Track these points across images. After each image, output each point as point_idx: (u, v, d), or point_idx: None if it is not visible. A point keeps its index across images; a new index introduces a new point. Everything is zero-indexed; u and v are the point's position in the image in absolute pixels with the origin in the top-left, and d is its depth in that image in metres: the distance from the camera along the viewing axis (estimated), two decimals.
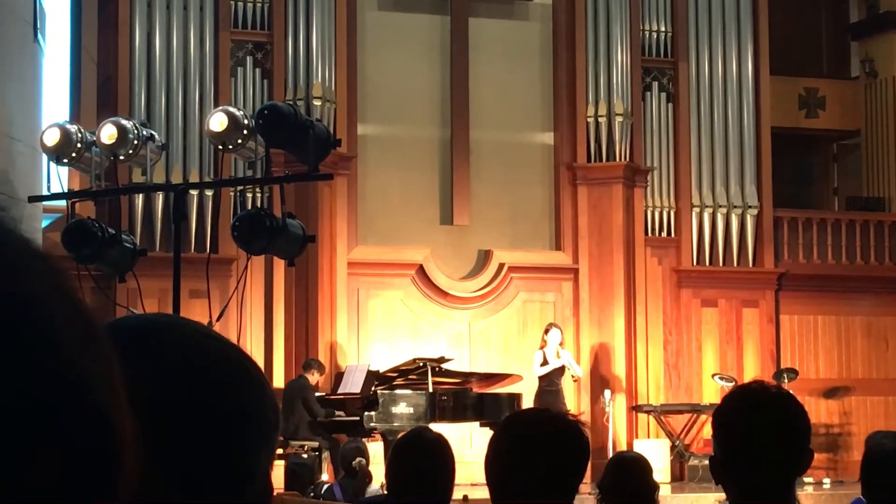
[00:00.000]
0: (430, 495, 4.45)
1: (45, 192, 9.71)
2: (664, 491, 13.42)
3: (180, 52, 15.56)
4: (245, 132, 8.50)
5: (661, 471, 14.47)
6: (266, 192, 14.71)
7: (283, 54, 15.88)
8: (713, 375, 16.39)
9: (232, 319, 11.28)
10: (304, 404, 13.70)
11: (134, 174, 13.16)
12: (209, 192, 15.28)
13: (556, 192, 16.99)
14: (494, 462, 2.88)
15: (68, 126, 9.27)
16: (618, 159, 16.76)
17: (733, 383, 15.01)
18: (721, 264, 17.34)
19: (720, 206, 17.32)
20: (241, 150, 8.69)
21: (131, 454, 0.80)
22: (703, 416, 15.80)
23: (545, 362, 14.88)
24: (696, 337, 17.15)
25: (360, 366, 14.48)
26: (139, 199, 14.93)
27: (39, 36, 11.99)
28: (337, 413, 13.76)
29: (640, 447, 14.65)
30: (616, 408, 15.84)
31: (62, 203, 10.41)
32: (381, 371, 14.18)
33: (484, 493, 3.07)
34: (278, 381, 14.65)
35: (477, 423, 14.16)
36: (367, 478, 10.67)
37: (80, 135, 9.07)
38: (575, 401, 15.74)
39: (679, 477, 15.97)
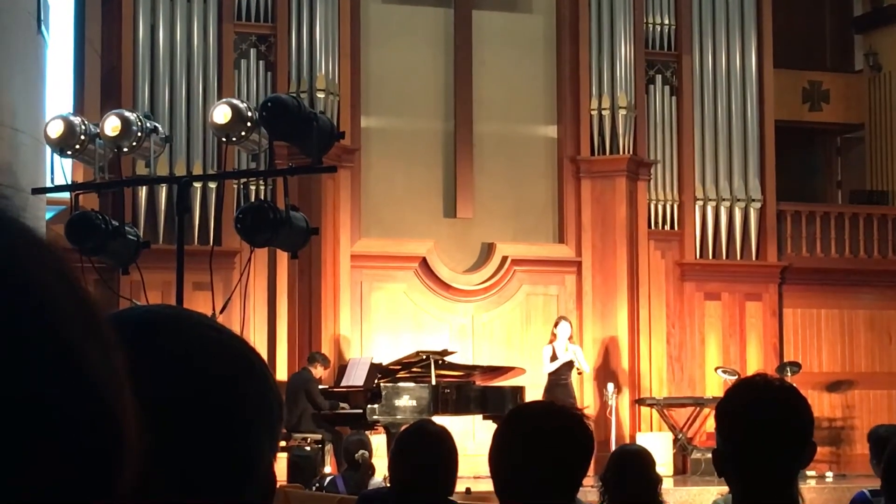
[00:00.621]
0: (432, 488, 4.45)
1: (48, 184, 9.72)
2: (667, 484, 13.41)
3: (184, 44, 15.56)
4: (248, 124, 8.50)
5: (664, 464, 14.47)
6: (269, 185, 14.72)
7: (286, 46, 15.87)
8: (716, 369, 16.39)
9: (235, 312, 11.30)
10: (308, 397, 13.71)
11: (137, 166, 13.17)
12: (213, 185, 15.28)
13: (559, 185, 16.99)
14: (499, 456, 2.88)
15: (72, 118, 9.27)
16: (621, 152, 16.76)
17: (736, 377, 15.00)
18: (724, 258, 17.34)
19: (723, 200, 17.31)
20: (244, 142, 8.69)
21: (135, 447, 0.79)
22: (706, 410, 15.81)
23: (554, 356, 14.85)
24: (699, 330, 17.15)
25: (363, 358, 14.49)
26: (143, 192, 14.92)
27: (43, 27, 11.99)
28: (340, 406, 13.77)
29: (643, 440, 14.65)
30: (619, 401, 15.84)
31: (66, 195, 10.40)
32: (384, 364, 14.18)
33: (487, 485, 3.08)
34: (281, 373, 14.66)
35: (480, 416, 14.16)
36: (370, 470, 10.67)
37: (83, 127, 9.07)
38: (578, 394, 15.73)
39: (682, 470, 15.98)
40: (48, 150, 9.53)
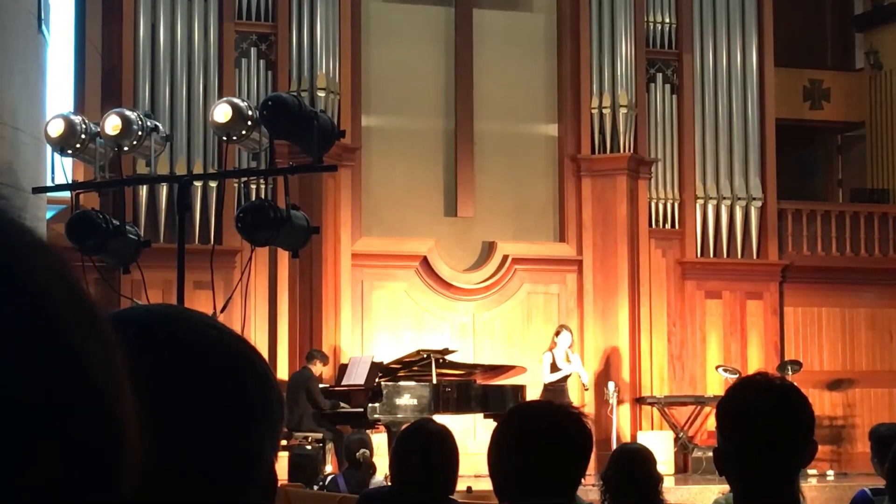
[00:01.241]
0: (433, 487, 4.45)
1: (49, 184, 9.73)
2: (668, 483, 13.41)
3: (184, 43, 15.56)
4: (249, 123, 8.50)
5: (665, 462, 14.47)
6: (270, 184, 14.72)
7: (287, 45, 15.87)
8: (717, 367, 16.39)
9: (236, 311, 11.30)
10: (308, 396, 13.71)
11: (138, 165, 13.17)
12: (213, 184, 15.28)
13: (560, 184, 16.98)
14: (497, 455, 2.88)
15: (72, 117, 9.27)
16: (622, 151, 16.75)
17: (737, 375, 15.00)
18: (725, 256, 17.34)
19: (724, 198, 17.31)
20: (245, 141, 8.69)
21: (136, 447, 0.79)
22: (707, 408, 15.82)
23: (554, 365, 14.85)
24: (700, 329, 17.14)
25: (364, 357, 14.48)
26: (143, 191, 14.92)
27: (43, 26, 11.99)
28: (341, 405, 13.77)
29: (644, 439, 14.65)
30: (620, 400, 15.84)
31: (66, 194, 10.41)
32: (384, 362, 14.18)
33: (488, 484, 3.07)
34: (282, 372, 14.66)
35: (481, 415, 14.16)
36: (371, 469, 10.67)
37: (84, 126, 9.07)
38: (579, 393, 15.73)
39: (683, 469, 15.98)
40: (49, 149, 9.54)
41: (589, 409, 16.12)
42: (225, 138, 8.76)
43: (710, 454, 11.75)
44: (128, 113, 9.13)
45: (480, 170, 16.69)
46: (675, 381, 16.91)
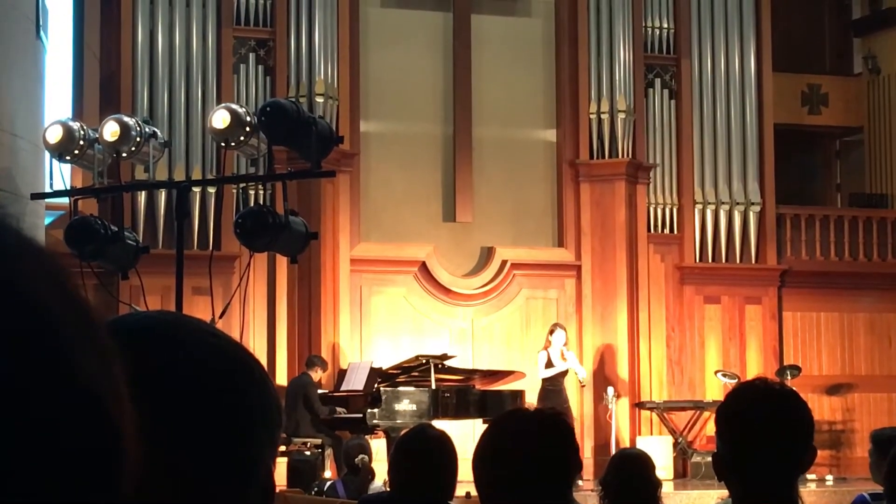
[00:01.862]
0: (432, 492, 4.45)
1: (47, 190, 9.74)
2: (667, 488, 13.41)
3: (183, 49, 15.56)
4: (247, 129, 8.50)
5: (664, 468, 14.47)
6: (269, 190, 14.71)
7: (285, 51, 15.88)
8: (716, 372, 16.38)
9: (234, 317, 11.30)
10: (306, 402, 13.70)
11: (136, 171, 13.17)
12: (212, 190, 15.27)
13: (558, 189, 16.99)
14: (478, 465, 2.89)
15: (71, 123, 9.27)
16: (620, 156, 16.76)
17: (736, 380, 15.02)
18: (724, 261, 17.33)
19: (723, 203, 17.31)
20: (243, 147, 8.69)
21: (133, 452, 0.79)
22: (706, 413, 15.80)
23: (549, 363, 14.84)
24: (698, 334, 17.14)
25: (362, 363, 14.48)
26: (142, 197, 14.93)
27: (42, 32, 12.00)
28: (340, 410, 13.77)
29: (643, 444, 14.64)
30: (619, 405, 15.83)
31: (65, 200, 10.41)
32: (383, 368, 14.18)
33: None
34: (281, 378, 14.65)
35: (480, 421, 14.15)
36: (370, 475, 10.67)
37: (82, 132, 9.07)
38: (578, 398, 15.74)
39: (682, 474, 15.97)
40: (47, 155, 9.54)
41: (587, 413, 16.13)
42: (223, 144, 8.76)
43: (709, 459, 11.73)
44: (126, 119, 9.13)
45: (479, 175, 16.69)
46: (674, 385, 16.90)
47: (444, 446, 4.52)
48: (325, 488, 11.29)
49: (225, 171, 11.63)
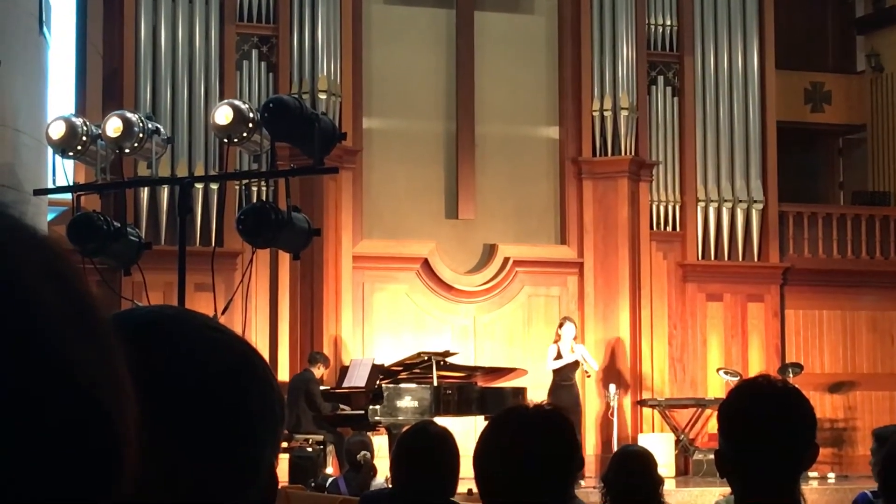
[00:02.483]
0: (434, 489, 4.45)
1: (50, 186, 9.72)
2: (669, 485, 13.42)
3: (186, 46, 15.57)
4: (250, 125, 8.50)
5: (666, 465, 14.47)
6: (271, 186, 14.70)
7: (288, 47, 15.88)
8: (718, 370, 16.38)
9: (237, 313, 11.29)
10: (308, 398, 13.70)
11: (139, 167, 13.15)
12: (214, 186, 15.28)
13: (561, 187, 16.98)
14: (479, 462, 2.89)
15: (74, 119, 9.27)
16: (623, 153, 16.75)
17: (738, 378, 15.00)
18: (726, 259, 17.33)
19: (725, 201, 17.31)
20: (246, 143, 8.69)
21: (134, 448, 0.78)
22: (708, 411, 15.81)
23: (559, 356, 14.83)
24: (700, 331, 17.14)
25: (364, 360, 14.49)
26: (144, 193, 14.93)
27: (45, 28, 12.00)
28: (342, 407, 13.77)
29: (645, 441, 14.64)
30: (621, 402, 15.83)
31: (67, 196, 10.39)
32: (385, 365, 14.18)
33: None
34: (283, 374, 14.65)
35: (482, 417, 14.14)
36: (372, 471, 10.66)
37: (85, 128, 9.07)
38: (581, 394, 15.73)
39: (684, 471, 15.97)
40: (50, 151, 9.53)
41: (591, 410, 16.12)
42: (226, 140, 8.76)
43: (711, 456, 11.73)
44: (129, 115, 9.13)
45: (481, 172, 16.69)
46: (675, 383, 16.90)
47: (446, 443, 4.52)
48: (327, 485, 11.28)
49: (227, 168, 11.64)
